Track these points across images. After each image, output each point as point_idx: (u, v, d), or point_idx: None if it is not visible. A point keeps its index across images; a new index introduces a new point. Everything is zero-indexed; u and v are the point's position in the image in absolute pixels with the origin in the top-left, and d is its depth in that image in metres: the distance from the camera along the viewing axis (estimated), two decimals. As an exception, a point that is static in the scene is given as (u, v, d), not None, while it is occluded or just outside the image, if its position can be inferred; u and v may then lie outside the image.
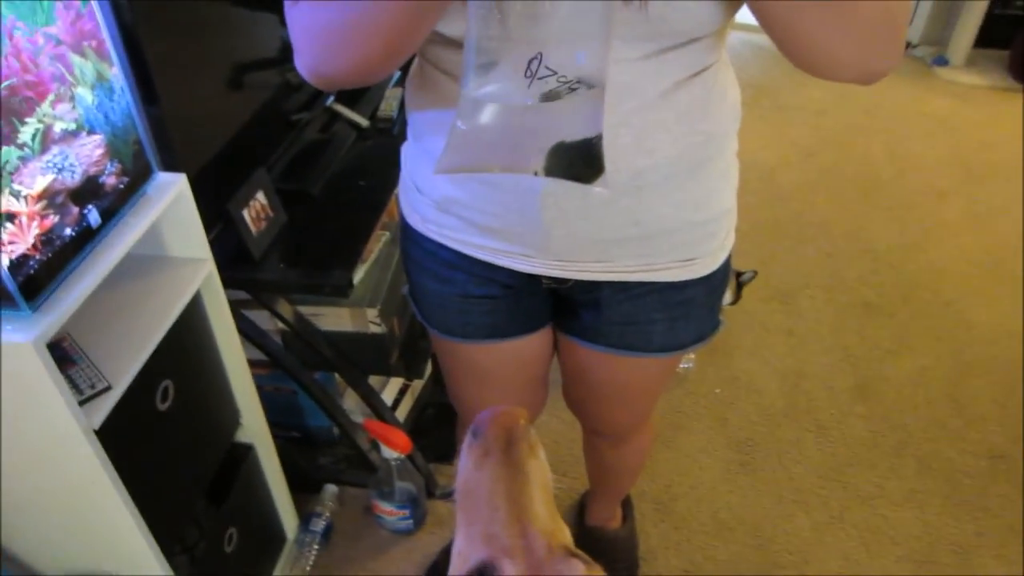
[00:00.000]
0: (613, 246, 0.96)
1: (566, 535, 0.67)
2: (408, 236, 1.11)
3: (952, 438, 2.05)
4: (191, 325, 1.29)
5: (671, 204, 0.94)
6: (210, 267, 1.29)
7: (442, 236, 1.04)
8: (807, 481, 1.94)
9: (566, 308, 1.11)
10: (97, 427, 1.02)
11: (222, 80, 1.51)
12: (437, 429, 1.95)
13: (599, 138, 0.70)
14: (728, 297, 2.17)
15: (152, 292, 1.21)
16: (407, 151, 1.06)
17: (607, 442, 1.45)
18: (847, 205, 2.93)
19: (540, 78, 0.66)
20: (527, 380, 1.26)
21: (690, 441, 2.01)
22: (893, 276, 2.59)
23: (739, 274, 2.21)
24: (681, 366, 2.19)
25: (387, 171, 1.79)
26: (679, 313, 1.07)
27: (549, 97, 0.66)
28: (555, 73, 0.65)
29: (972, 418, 2.10)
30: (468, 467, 0.71)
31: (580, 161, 0.71)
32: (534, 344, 1.17)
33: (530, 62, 0.65)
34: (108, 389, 1.04)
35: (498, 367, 1.18)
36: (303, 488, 1.82)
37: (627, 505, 1.79)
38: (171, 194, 1.16)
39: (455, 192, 0.96)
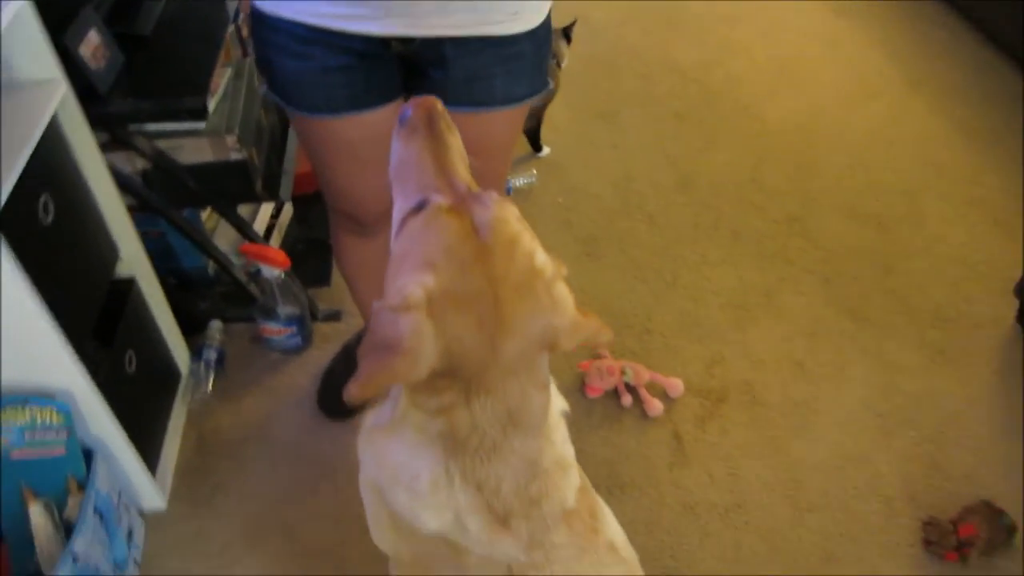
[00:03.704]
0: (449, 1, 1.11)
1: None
2: (262, 23, 1.20)
3: (757, 211, 2.41)
4: (57, 147, 1.33)
5: None
6: (65, 88, 1.33)
7: (295, 12, 1.14)
8: (643, 260, 2.23)
9: (417, 73, 1.25)
10: (-5, 219, 1.08)
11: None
12: (310, 259, 2.07)
13: None
14: (565, 57, 2.39)
15: (12, 112, 1.24)
16: (250, -62, 1.15)
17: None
18: (654, 32, 3.19)
19: None
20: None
21: (542, 244, 2.24)
22: (698, 89, 2.90)
23: (565, 28, 2.41)
24: (524, 181, 2.41)
25: (217, 12, 1.82)
26: (513, 67, 1.25)
27: None
28: None
29: (771, 193, 2.47)
30: (399, 147, 0.90)
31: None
32: (393, 115, 1.30)
33: None
34: (-4, 187, 1.10)
35: (363, 141, 1.31)
36: (189, 331, 1.90)
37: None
38: (11, 9, 1.18)
39: None
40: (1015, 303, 2.07)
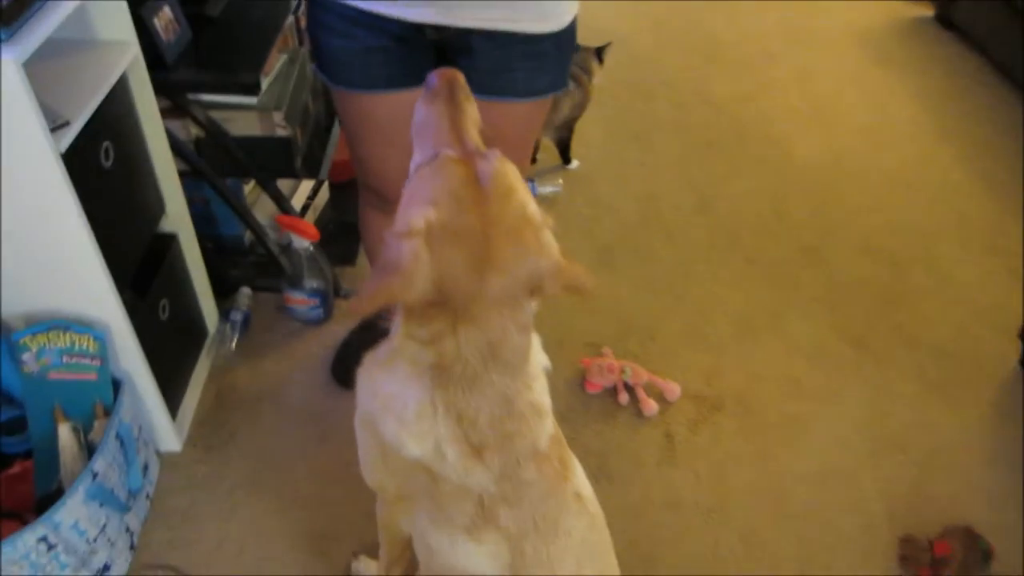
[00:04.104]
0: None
1: None
2: (316, 4, 1.34)
3: (773, 238, 2.48)
4: (123, 101, 1.48)
5: None
6: (136, 51, 1.47)
7: (344, -4, 1.28)
8: (657, 274, 2.32)
9: (447, 61, 1.37)
10: (63, 151, 1.21)
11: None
12: (339, 240, 2.20)
13: None
14: (596, 74, 2.51)
15: (90, 65, 1.39)
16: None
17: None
18: (692, 66, 3.31)
19: None
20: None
21: (560, 248, 2.34)
22: (730, 121, 3.00)
23: (599, 49, 2.51)
24: (551, 189, 2.52)
25: (280, 3, 1.98)
26: (536, 64, 1.36)
27: None
28: None
29: (789, 224, 2.54)
30: (422, 109, 1.02)
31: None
32: (422, 99, 1.43)
33: None
34: (67, 124, 1.23)
35: (392, 120, 1.42)
36: (220, 294, 2.03)
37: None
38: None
39: None
40: (1020, 346, 2.11)
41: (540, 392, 1.04)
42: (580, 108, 2.48)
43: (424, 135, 1.00)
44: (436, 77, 1.01)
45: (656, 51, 3.38)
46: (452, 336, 0.92)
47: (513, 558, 1.03)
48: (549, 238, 0.93)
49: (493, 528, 1.02)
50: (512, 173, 0.93)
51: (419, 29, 1.30)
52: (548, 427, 1.04)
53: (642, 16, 3.64)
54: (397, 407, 1.00)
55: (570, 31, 1.37)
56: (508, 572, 1.04)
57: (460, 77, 1.01)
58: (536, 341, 1.03)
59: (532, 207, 0.93)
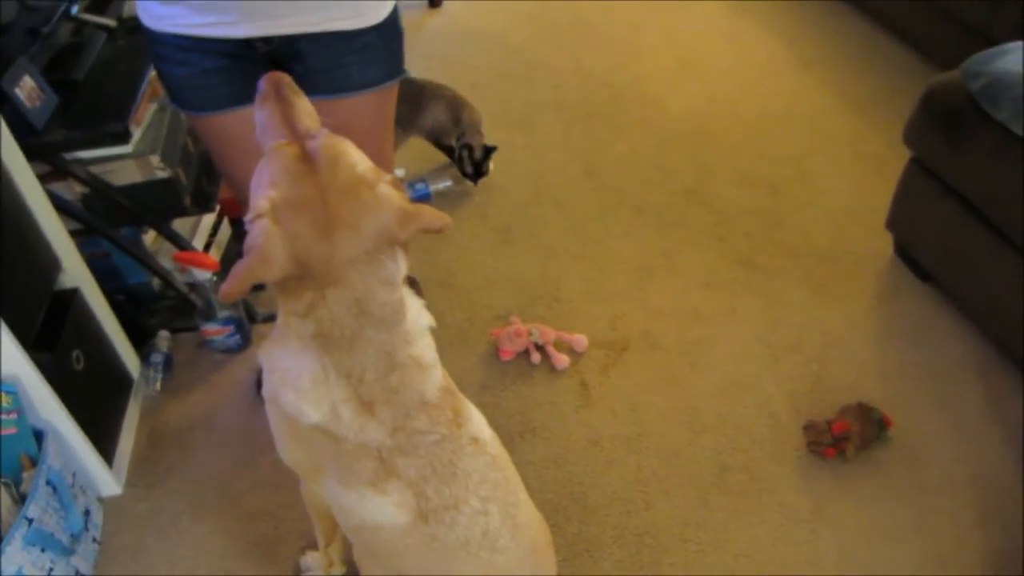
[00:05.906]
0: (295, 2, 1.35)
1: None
2: (153, 40, 1.43)
3: (657, 187, 2.63)
4: (-8, 169, 1.56)
5: None
6: (-5, 118, 1.56)
7: (174, 26, 1.38)
8: (553, 240, 2.44)
9: (282, 70, 1.47)
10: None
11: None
12: (246, 269, 2.28)
13: None
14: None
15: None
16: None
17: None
18: (566, 48, 3.46)
19: None
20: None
21: (459, 236, 2.46)
22: (607, 91, 3.15)
23: (487, 152, 2.64)
24: (443, 185, 2.64)
25: (142, 59, 2.07)
26: (365, 57, 1.47)
27: None
28: None
29: (670, 171, 2.69)
30: (257, 113, 1.09)
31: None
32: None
33: None
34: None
35: (246, 134, 1.48)
36: (142, 343, 2.11)
37: (414, 284, 2.21)
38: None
39: None
40: (892, 238, 2.27)
41: (423, 348, 1.10)
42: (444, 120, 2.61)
43: (265, 136, 1.08)
44: (263, 82, 1.10)
45: (531, 41, 3.53)
46: (324, 303, 1.00)
47: (419, 502, 1.10)
48: (386, 191, 1.02)
49: (395, 478, 1.09)
50: (340, 143, 1.03)
51: (248, 44, 1.40)
52: (435, 379, 1.11)
53: (514, 11, 3.77)
54: (292, 378, 1.07)
55: (391, 22, 1.48)
56: (416, 516, 1.11)
57: (285, 77, 1.10)
58: (418, 303, 1.11)
59: (363, 167, 1.02)
